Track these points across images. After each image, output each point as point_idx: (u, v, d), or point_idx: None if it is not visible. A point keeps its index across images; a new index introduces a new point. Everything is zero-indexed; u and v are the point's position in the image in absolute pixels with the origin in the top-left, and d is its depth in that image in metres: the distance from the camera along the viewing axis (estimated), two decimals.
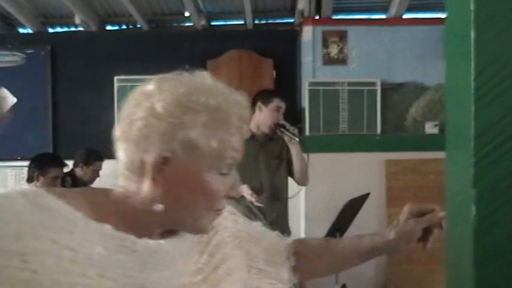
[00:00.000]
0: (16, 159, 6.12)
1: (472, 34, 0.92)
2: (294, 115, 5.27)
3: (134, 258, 1.09)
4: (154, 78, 1.14)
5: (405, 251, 1.39)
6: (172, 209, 1.10)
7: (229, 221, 1.30)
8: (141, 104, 1.09)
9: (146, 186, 1.10)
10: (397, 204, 5.82)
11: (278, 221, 4.03)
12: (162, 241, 1.15)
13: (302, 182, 4.12)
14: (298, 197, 4.71)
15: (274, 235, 1.47)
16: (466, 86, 0.94)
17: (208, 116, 1.08)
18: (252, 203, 3.77)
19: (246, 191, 3.75)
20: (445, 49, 0.96)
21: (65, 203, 1.06)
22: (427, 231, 1.37)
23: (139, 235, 1.11)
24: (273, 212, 3.93)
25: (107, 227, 1.07)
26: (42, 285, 0.98)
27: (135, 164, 1.10)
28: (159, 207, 1.09)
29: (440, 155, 6.27)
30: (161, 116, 1.06)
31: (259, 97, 4.05)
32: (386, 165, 5.86)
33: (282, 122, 3.92)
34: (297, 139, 3.86)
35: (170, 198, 1.09)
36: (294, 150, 3.95)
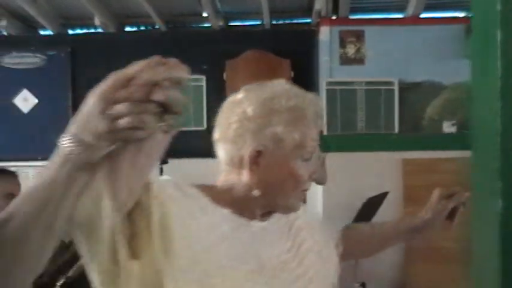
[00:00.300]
0: (37, 160, 6.18)
1: (499, 34, 0.96)
2: None
3: (250, 235, 1.34)
4: (242, 88, 1.42)
5: (440, 227, 1.64)
6: (268, 192, 1.34)
7: (301, 211, 1.49)
8: (234, 110, 1.37)
9: (245, 177, 1.33)
10: (414, 203, 5.80)
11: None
12: (265, 222, 1.40)
13: (320, 181, 4.14)
14: (316, 196, 4.75)
15: (327, 223, 1.68)
16: (493, 83, 0.97)
17: (289, 114, 1.31)
18: None
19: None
20: (470, 48, 1.00)
21: (197, 191, 1.33)
22: (453, 210, 1.63)
23: (247, 218, 1.36)
24: None
25: (226, 211, 1.33)
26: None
27: (235, 160, 1.35)
28: (257, 192, 1.33)
29: (457, 154, 6.26)
30: (252, 118, 1.31)
31: None
32: (403, 164, 5.86)
33: None
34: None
35: (265, 184, 1.33)
36: None
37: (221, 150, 1.40)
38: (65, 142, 0.92)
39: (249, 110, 1.33)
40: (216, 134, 1.42)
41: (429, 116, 5.98)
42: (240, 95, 1.41)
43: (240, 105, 1.37)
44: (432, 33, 5.88)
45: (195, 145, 6.21)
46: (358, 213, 3.50)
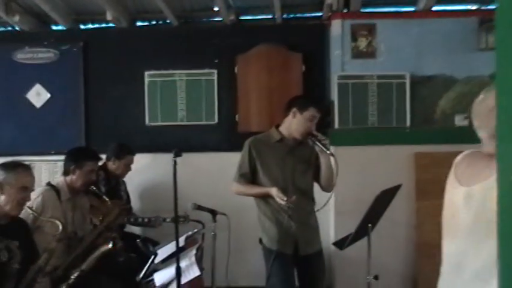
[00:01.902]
0: (49, 154, 6.21)
1: None
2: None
3: None
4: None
5: None
6: None
7: None
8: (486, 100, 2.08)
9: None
10: (426, 197, 5.81)
11: (305, 222, 4.05)
12: None
13: (327, 189, 4.12)
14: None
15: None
16: None
17: None
18: (281, 204, 3.80)
19: (276, 193, 3.78)
20: (496, 38, 0.97)
21: None
22: None
23: None
24: (301, 213, 3.95)
25: None
26: None
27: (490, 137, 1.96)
28: None
29: (470, 147, 6.26)
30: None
31: (296, 103, 4.00)
32: (415, 158, 5.84)
33: (315, 132, 3.89)
34: (328, 152, 3.83)
35: None
36: (324, 159, 3.93)
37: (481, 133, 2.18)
38: None
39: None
40: (476, 122, 2.22)
41: (441, 110, 5.94)
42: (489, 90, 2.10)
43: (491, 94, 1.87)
44: (444, 26, 5.85)
45: (207, 139, 6.24)
46: (370, 206, 3.47)
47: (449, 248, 2.26)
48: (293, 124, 3.96)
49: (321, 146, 3.82)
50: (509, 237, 0.96)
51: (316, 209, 4.12)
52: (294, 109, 3.95)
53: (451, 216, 2.25)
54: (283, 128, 4.03)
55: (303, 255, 4.00)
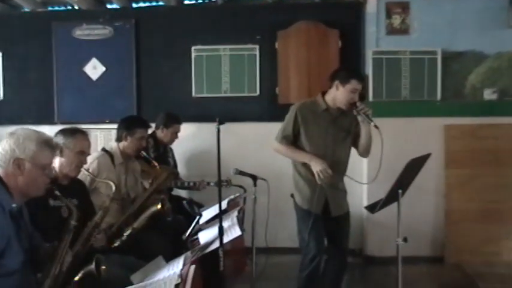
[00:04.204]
0: (104, 122, 6.33)
1: None
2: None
3: None
4: None
5: None
6: None
7: None
8: None
9: None
10: (455, 166, 5.75)
11: (336, 186, 4.08)
12: None
13: (364, 155, 4.16)
14: (361, 160, 4.72)
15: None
16: None
17: None
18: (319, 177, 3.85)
19: (320, 166, 3.82)
20: None
21: None
22: None
23: None
24: (333, 179, 3.96)
25: None
26: None
27: None
28: None
29: (498, 120, 6.16)
30: None
31: (338, 76, 3.95)
32: (445, 129, 5.78)
33: (358, 103, 3.85)
34: (372, 123, 3.81)
35: None
36: (365, 128, 3.92)
37: None
38: None
39: None
40: None
41: (471, 84, 5.84)
42: None
43: None
44: (475, 4, 5.74)
45: (249, 110, 6.26)
46: (401, 173, 3.45)
47: None
48: (337, 96, 3.93)
49: (364, 116, 3.81)
50: None
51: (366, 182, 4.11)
52: (337, 82, 3.91)
53: None
54: (329, 98, 3.99)
55: (333, 216, 4.04)
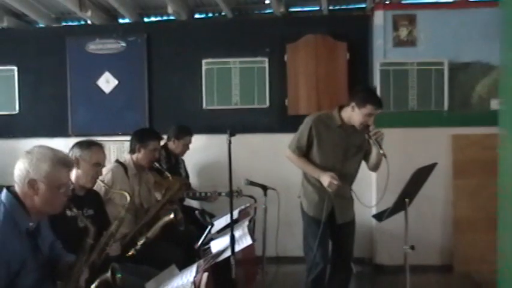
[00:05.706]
0: (117, 134, 6.40)
1: None
2: None
3: None
4: None
5: None
6: None
7: None
8: None
9: None
10: (463, 175, 5.78)
11: (343, 195, 4.13)
12: None
13: (373, 170, 4.21)
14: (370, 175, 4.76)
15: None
16: None
17: None
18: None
19: (331, 178, 3.87)
20: (501, 25, 1.01)
21: None
22: None
23: None
24: (341, 190, 4.00)
25: None
26: None
27: None
28: None
29: (504, 130, 6.15)
30: None
31: (356, 97, 3.91)
32: (453, 139, 5.81)
33: (371, 127, 3.84)
34: (381, 151, 3.79)
35: None
36: (375, 150, 3.93)
37: None
38: None
39: None
40: None
41: (478, 94, 5.88)
42: None
43: None
44: (481, 15, 5.76)
45: (259, 121, 6.33)
46: (407, 183, 3.50)
47: None
48: (352, 116, 3.92)
49: (375, 142, 3.82)
50: None
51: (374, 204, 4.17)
52: (353, 104, 3.89)
53: None
54: (345, 115, 3.99)
55: (338, 224, 4.10)
